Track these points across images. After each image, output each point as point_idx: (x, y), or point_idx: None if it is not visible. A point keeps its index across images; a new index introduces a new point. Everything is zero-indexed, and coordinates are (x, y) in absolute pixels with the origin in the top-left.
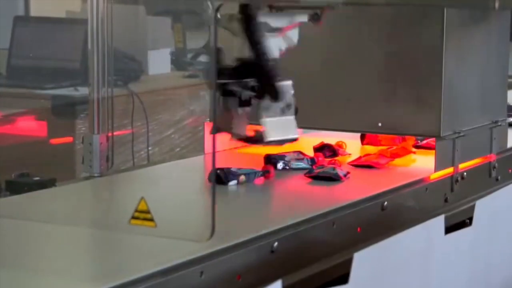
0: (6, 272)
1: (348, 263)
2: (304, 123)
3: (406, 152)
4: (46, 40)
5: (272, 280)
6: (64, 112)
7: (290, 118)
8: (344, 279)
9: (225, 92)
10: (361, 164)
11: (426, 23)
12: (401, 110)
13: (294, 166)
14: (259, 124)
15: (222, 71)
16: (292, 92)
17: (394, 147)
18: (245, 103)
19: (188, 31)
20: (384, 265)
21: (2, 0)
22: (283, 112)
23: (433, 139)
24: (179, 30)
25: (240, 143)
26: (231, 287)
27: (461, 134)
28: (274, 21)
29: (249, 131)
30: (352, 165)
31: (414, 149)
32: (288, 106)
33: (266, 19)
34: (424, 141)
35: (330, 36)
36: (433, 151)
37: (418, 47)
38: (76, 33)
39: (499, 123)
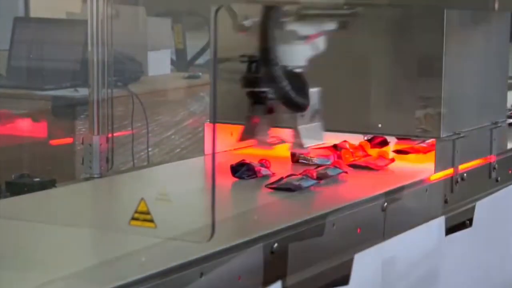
0: (6, 272)
1: (348, 264)
2: None
3: (338, 174)
4: (46, 41)
5: (272, 281)
6: (64, 113)
7: (318, 124)
8: (345, 280)
9: (253, 99)
10: (280, 188)
11: (426, 24)
12: (401, 111)
13: None
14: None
15: (251, 79)
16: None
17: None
18: (270, 110)
19: (188, 32)
20: (384, 267)
21: (2, 1)
22: (312, 118)
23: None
24: (179, 31)
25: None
26: None
27: (461, 135)
28: (301, 29)
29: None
30: (271, 188)
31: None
32: (316, 112)
33: (293, 27)
34: (362, 160)
35: (331, 38)
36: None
37: (418, 48)
38: (76, 34)
39: (499, 124)
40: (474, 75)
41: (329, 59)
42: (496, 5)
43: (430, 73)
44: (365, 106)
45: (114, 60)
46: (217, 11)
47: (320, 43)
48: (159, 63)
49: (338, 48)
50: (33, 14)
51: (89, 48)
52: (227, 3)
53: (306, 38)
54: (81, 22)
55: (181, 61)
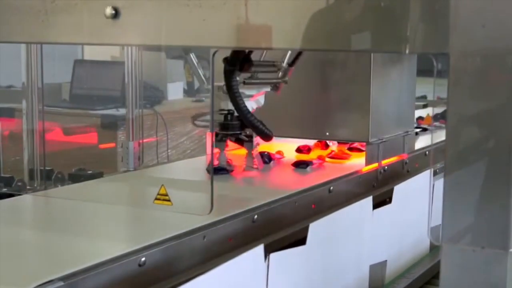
0: (66, 237)
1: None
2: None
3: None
4: (96, 76)
5: (255, 241)
6: (109, 126)
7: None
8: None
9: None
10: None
11: (359, 61)
12: (343, 123)
13: None
14: None
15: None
16: None
17: None
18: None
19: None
20: (333, 233)
21: (66, 48)
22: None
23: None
24: (189, 69)
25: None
26: (224, 246)
27: (383, 140)
28: (247, 91)
29: None
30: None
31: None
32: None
33: (242, 89)
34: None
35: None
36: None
37: (355, 78)
38: (117, 71)
39: (409, 132)
40: (391, 99)
41: (292, 86)
42: (407, 50)
43: (361, 97)
44: (318, 120)
45: (144, 89)
46: (213, 54)
47: (261, 100)
48: (175, 91)
49: (300, 77)
50: (87, 57)
51: (126, 80)
52: (222, 48)
53: (251, 96)
54: (121, 63)
55: (190, 90)
